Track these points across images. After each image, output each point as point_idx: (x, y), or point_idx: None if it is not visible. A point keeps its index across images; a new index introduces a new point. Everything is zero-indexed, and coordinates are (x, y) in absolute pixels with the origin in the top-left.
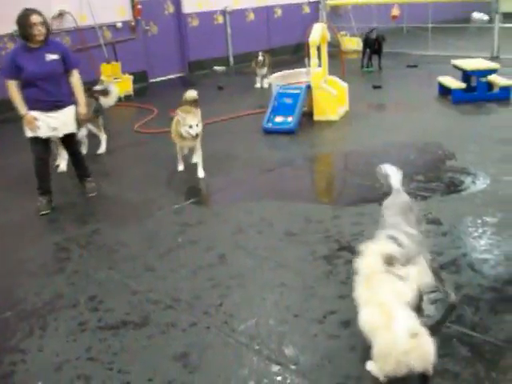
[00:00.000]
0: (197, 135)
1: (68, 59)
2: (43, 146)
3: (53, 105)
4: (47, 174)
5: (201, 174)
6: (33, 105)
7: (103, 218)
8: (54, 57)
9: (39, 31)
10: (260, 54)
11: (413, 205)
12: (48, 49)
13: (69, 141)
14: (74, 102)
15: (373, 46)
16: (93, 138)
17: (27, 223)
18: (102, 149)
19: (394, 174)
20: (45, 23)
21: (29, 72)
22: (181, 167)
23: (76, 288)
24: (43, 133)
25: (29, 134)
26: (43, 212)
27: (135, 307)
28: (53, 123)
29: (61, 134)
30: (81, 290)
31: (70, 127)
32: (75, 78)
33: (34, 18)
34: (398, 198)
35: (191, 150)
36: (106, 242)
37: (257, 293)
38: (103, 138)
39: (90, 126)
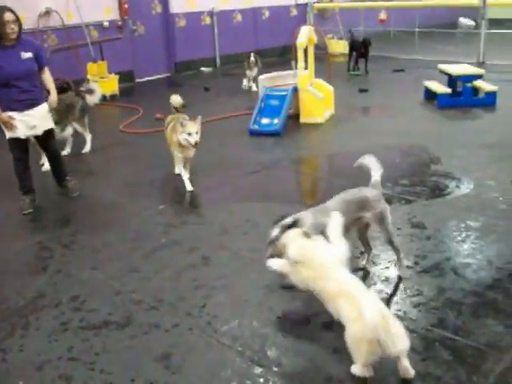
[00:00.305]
0: (196, 144)
1: (40, 57)
2: (22, 146)
3: (29, 103)
4: (28, 173)
5: (189, 187)
6: (9, 105)
7: (87, 217)
8: (28, 55)
9: (12, 29)
10: (252, 55)
11: (373, 202)
12: (22, 47)
13: (47, 139)
14: (46, 99)
15: (359, 49)
16: (77, 137)
17: (10, 222)
18: (87, 148)
19: (375, 168)
20: (18, 21)
21: (6, 72)
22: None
23: (58, 287)
24: (23, 133)
25: (8, 135)
26: (26, 211)
27: (118, 307)
28: (31, 121)
29: (40, 132)
30: (63, 289)
31: (48, 124)
32: (47, 74)
33: (7, 16)
34: (359, 193)
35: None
36: (89, 241)
37: (240, 294)
38: (88, 137)
39: (76, 125)
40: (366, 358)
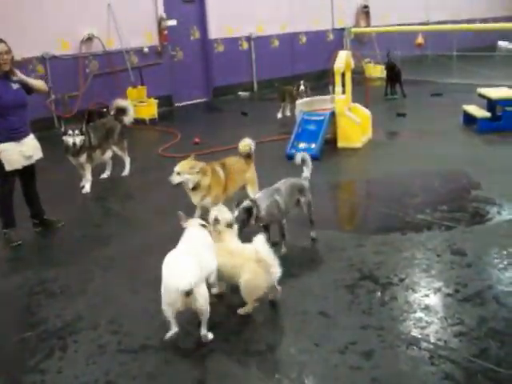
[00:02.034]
0: (171, 183)
1: (25, 83)
2: (13, 180)
3: (25, 132)
4: (13, 207)
5: None
6: (9, 135)
7: (127, 240)
8: (17, 86)
9: (4, 60)
10: (302, 82)
11: (304, 191)
12: (10, 79)
13: (32, 171)
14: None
15: (395, 73)
16: (115, 160)
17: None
18: (126, 171)
19: (308, 165)
20: (10, 52)
21: (7, 100)
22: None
23: (97, 310)
24: (20, 164)
25: (7, 167)
26: (15, 243)
27: (156, 331)
28: (27, 151)
29: (34, 161)
30: (102, 312)
31: (40, 153)
32: (37, 81)
33: (1, 47)
34: (295, 180)
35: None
36: (128, 264)
37: (277, 320)
38: (127, 160)
39: (115, 149)
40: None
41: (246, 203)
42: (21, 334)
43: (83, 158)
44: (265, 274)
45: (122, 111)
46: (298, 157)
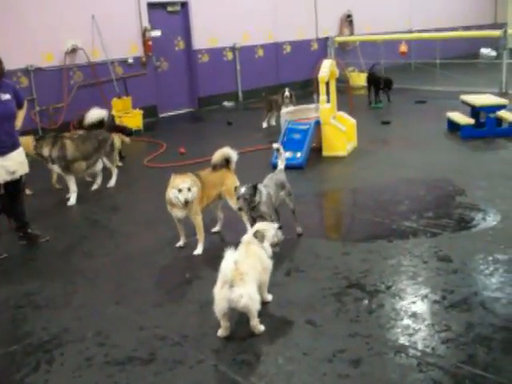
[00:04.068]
0: (187, 202)
1: (19, 96)
2: None
3: (11, 146)
4: None
5: (198, 250)
6: None
7: (112, 251)
8: (8, 96)
9: None
10: (287, 89)
11: (285, 183)
12: (1, 89)
13: (17, 185)
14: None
15: (378, 84)
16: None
17: (32, 255)
18: (112, 182)
19: (282, 157)
20: (1, 63)
21: None
22: (180, 242)
23: (83, 322)
24: (3, 179)
25: None
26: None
27: (142, 343)
28: (11, 166)
29: (18, 176)
30: (88, 324)
31: (25, 167)
32: (25, 109)
33: None
34: (276, 176)
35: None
36: (113, 276)
37: (265, 330)
38: (114, 172)
39: (106, 160)
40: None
41: (252, 184)
42: (6, 347)
43: (56, 167)
44: (223, 290)
45: (99, 122)
46: (275, 145)
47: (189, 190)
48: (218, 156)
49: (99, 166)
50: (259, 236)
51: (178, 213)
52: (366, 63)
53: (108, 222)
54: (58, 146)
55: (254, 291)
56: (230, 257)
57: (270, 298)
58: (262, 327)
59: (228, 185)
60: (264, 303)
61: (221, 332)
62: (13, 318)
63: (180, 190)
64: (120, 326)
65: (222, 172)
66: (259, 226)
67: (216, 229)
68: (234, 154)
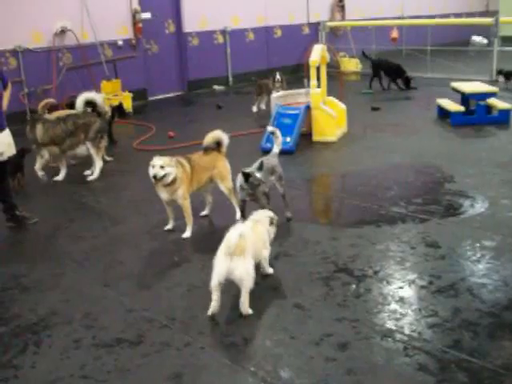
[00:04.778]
0: (155, 177)
1: (4, 76)
2: None
3: None
4: None
5: (186, 233)
6: None
7: (100, 234)
8: None
9: None
10: (277, 73)
11: (276, 168)
12: None
13: (4, 167)
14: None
15: (390, 72)
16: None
17: (19, 237)
18: (94, 175)
19: (279, 141)
20: None
21: None
22: (168, 225)
23: (71, 304)
24: None
25: None
26: None
27: (130, 325)
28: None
29: (5, 158)
30: (76, 306)
31: (12, 149)
32: (9, 91)
33: None
34: (267, 160)
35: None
36: (101, 258)
37: (253, 313)
38: (98, 163)
39: (89, 146)
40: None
41: (256, 164)
42: None
43: (34, 147)
44: (224, 259)
45: (90, 105)
46: (270, 128)
47: (161, 167)
48: (209, 139)
49: (81, 150)
50: (274, 222)
51: (162, 194)
52: (356, 48)
53: (96, 204)
54: (31, 128)
55: (250, 267)
56: (237, 229)
57: (271, 270)
58: (250, 310)
59: (219, 167)
60: (265, 276)
61: (211, 310)
62: (0, 299)
63: (153, 167)
64: (108, 309)
65: (214, 155)
66: (267, 213)
67: (205, 212)
68: (225, 137)
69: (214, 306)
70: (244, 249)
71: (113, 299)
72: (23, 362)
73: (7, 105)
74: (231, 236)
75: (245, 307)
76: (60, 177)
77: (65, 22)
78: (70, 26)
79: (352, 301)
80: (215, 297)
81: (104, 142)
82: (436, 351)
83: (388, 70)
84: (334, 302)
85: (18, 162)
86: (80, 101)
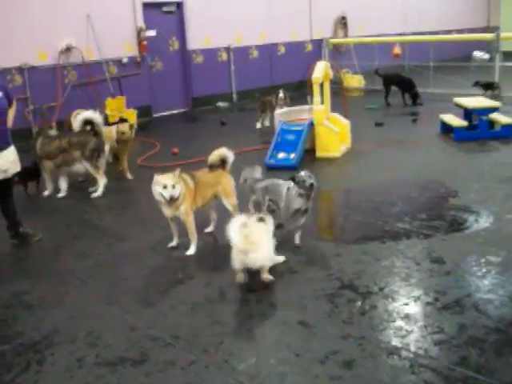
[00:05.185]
0: (171, 199)
1: (9, 93)
2: None
3: (4, 144)
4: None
5: (190, 250)
6: None
7: (104, 251)
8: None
9: None
10: (281, 91)
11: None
12: None
13: (8, 184)
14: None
15: (402, 85)
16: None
17: (23, 254)
18: (98, 193)
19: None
20: None
21: None
22: (172, 242)
23: (74, 322)
24: None
25: None
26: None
27: (134, 343)
28: (4, 165)
29: (10, 175)
30: (79, 324)
31: (17, 166)
32: (14, 106)
33: None
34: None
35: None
36: (105, 275)
37: (257, 331)
38: (101, 181)
39: (86, 165)
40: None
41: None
42: None
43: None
44: (239, 256)
45: (89, 124)
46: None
47: (173, 187)
48: (214, 156)
49: (77, 168)
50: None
51: (166, 211)
52: (359, 65)
53: (100, 221)
54: (34, 142)
55: (267, 252)
56: (236, 228)
57: (281, 259)
58: (270, 277)
59: (224, 184)
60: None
61: (238, 279)
62: (3, 317)
63: (165, 187)
64: (111, 327)
65: (218, 172)
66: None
67: (209, 229)
68: (230, 155)
69: (239, 279)
70: (255, 244)
71: (116, 317)
72: (26, 381)
73: (12, 122)
74: (235, 240)
75: (267, 279)
76: (46, 192)
77: (70, 40)
78: (75, 43)
79: (357, 318)
80: (240, 275)
81: (102, 161)
82: (442, 368)
83: (399, 83)
84: (339, 319)
85: (34, 169)
86: (78, 120)
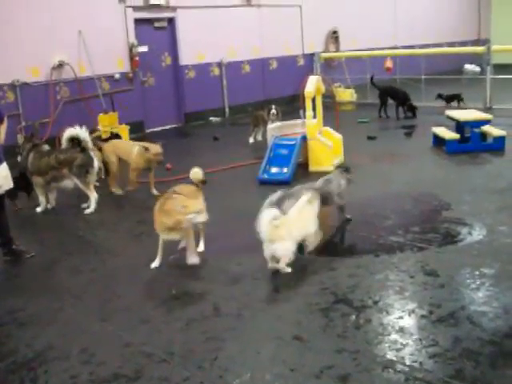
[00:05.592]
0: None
1: (0, 110)
2: None
3: None
4: None
5: (195, 260)
6: None
7: (97, 267)
8: None
9: None
10: (273, 107)
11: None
12: None
13: (2, 200)
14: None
15: (396, 98)
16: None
17: (16, 271)
18: (90, 209)
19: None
20: None
21: None
22: (155, 263)
23: (68, 339)
24: None
25: None
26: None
27: (128, 360)
28: None
29: (3, 191)
30: (73, 341)
31: (10, 183)
32: (5, 124)
33: None
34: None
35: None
36: (99, 292)
37: (252, 346)
38: (92, 197)
39: (76, 181)
40: None
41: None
42: None
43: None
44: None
45: (76, 141)
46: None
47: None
48: (195, 172)
49: (66, 184)
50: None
51: (176, 236)
52: (351, 79)
53: (93, 237)
54: (27, 155)
55: (289, 247)
56: (266, 218)
57: (311, 247)
58: (288, 269)
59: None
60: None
61: (269, 266)
62: None
63: (198, 213)
64: (106, 343)
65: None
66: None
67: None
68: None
69: (270, 266)
70: (281, 235)
71: (110, 333)
72: None
73: (4, 138)
74: (264, 229)
75: (284, 270)
76: (39, 208)
77: (62, 56)
78: (67, 59)
79: (352, 332)
80: (271, 263)
81: (91, 177)
82: (438, 381)
83: (395, 96)
84: (334, 334)
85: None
86: (65, 137)
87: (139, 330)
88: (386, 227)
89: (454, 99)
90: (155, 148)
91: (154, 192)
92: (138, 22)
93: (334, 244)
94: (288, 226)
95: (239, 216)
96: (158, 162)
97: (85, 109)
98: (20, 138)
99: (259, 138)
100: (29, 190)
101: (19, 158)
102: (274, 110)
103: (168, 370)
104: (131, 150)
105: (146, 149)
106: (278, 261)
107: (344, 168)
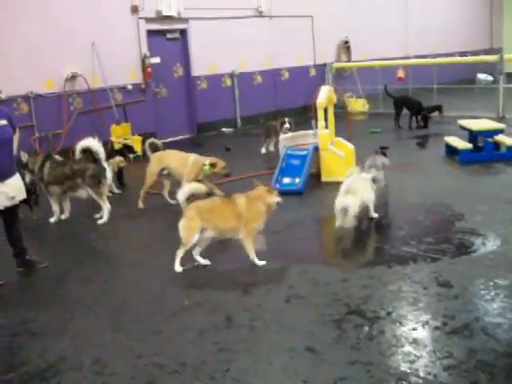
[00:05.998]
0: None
1: (13, 121)
2: None
3: (8, 172)
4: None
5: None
6: None
7: (109, 278)
8: (4, 121)
9: None
10: (286, 120)
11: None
12: None
13: (14, 212)
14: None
15: (416, 109)
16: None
17: (29, 281)
18: (104, 219)
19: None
20: None
21: None
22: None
23: (80, 350)
24: (3, 205)
25: None
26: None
27: (140, 371)
28: (11, 192)
29: (17, 202)
30: (85, 352)
31: (24, 193)
32: (17, 134)
33: None
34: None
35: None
36: (111, 303)
37: (264, 357)
38: (105, 207)
39: (90, 191)
40: None
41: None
42: (2, 375)
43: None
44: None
45: (89, 152)
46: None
47: None
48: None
49: (80, 193)
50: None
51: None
52: (363, 89)
53: (105, 248)
54: (41, 166)
55: (356, 202)
56: (352, 178)
57: (375, 215)
58: (351, 223)
59: None
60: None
61: (337, 223)
62: (9, 345)
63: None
64: (118, 354)
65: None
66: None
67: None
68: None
69: (338, 222)
70: (354, 192)
71: (123, 344)
72: None
73: (16, 149)
74: (349, 183)
75: (349, 220)
76: (52, 219)
77: (75, 68)
78: (80, 71)
79: (365, 343)
80: (340, 216)
81: (104, 188)
82: None
83: (409, 105)
84: (347, 345)
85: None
86: (78, 148)
87: (151, 341)
88: (399, 237)
89: (435, 110)
90: (220, 163)
91: (170, 201)
92: (150, 33)
93: (347, 254)
94: (360, 188)
95: None
96: (226, 175)
97: (98, 120)
98: (23, 156)
99: (271, 148)
100: (36, 197)
101: (27, 179)
102: (287, 124)
103: (180, 381)
104: (186, 160)
105: (213, 165)
106: (346, 213)
107: (382, 148)
